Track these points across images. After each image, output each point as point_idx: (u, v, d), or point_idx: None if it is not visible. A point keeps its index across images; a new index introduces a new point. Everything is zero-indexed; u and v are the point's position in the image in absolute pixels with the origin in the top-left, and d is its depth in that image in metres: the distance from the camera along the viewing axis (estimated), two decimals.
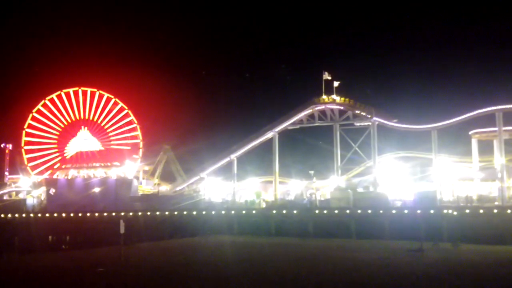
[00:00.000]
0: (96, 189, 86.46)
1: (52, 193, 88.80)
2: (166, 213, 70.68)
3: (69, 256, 47.01)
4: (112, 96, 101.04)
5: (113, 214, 70.53)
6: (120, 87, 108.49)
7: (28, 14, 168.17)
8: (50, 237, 74.08)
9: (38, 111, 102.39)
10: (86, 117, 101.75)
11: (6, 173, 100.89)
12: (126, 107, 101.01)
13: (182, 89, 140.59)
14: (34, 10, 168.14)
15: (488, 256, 39.19)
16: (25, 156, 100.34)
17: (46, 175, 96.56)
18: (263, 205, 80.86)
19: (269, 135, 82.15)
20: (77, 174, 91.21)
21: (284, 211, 66.03)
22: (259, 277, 28.82)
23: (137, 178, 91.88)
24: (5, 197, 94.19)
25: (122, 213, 69.46)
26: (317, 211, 65.14)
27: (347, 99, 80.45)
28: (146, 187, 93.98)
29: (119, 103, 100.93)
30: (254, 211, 69.66)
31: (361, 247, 46.74)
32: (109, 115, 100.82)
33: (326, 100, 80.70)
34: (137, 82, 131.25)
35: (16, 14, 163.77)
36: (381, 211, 61.06)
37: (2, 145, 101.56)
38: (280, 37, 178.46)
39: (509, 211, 56.05)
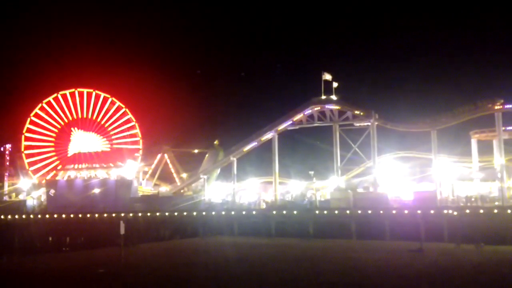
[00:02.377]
0: (96, 190, 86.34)
1: (52, 194, 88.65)
2: (166, 214, 70.67)
3: (69, 257, 47.09)
4: (108, 96, 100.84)
5: (113, 215, 70.44)
6: (117, 87, 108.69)
7: (21, 18, 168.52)
8: (50, 238, 74.02)
9: (36, 115, 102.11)
10: (84, 118, 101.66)
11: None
12: (123, 106, 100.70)
13: (181, 90, 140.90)
14: (27, 14, 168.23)
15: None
16: (26, 161, 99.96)
17: (48, 177, 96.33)
18: (263, 205, 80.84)
19: (268, 135, 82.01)
20: (79, 175, 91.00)
21: (284, 212, 66.04)
22: (259, 278, 28.83)
23: (137, 179, 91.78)
24: (5, 198, 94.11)
25: (122, 214, 69.38)
26: (317, 212, 65.11)
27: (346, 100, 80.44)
28: (146, 188, 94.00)
29: (116, 102, 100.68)
30: (254, 212, 69.67)
31: (361, 248, 46.76)
32: (107, 115, 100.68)
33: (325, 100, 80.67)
34: (134, 82, 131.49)
35: (10, 18, 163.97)
36: (381, 212, 61.05)
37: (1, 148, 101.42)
38: (279, 37, 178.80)
39: (509, 211, 56.08)
